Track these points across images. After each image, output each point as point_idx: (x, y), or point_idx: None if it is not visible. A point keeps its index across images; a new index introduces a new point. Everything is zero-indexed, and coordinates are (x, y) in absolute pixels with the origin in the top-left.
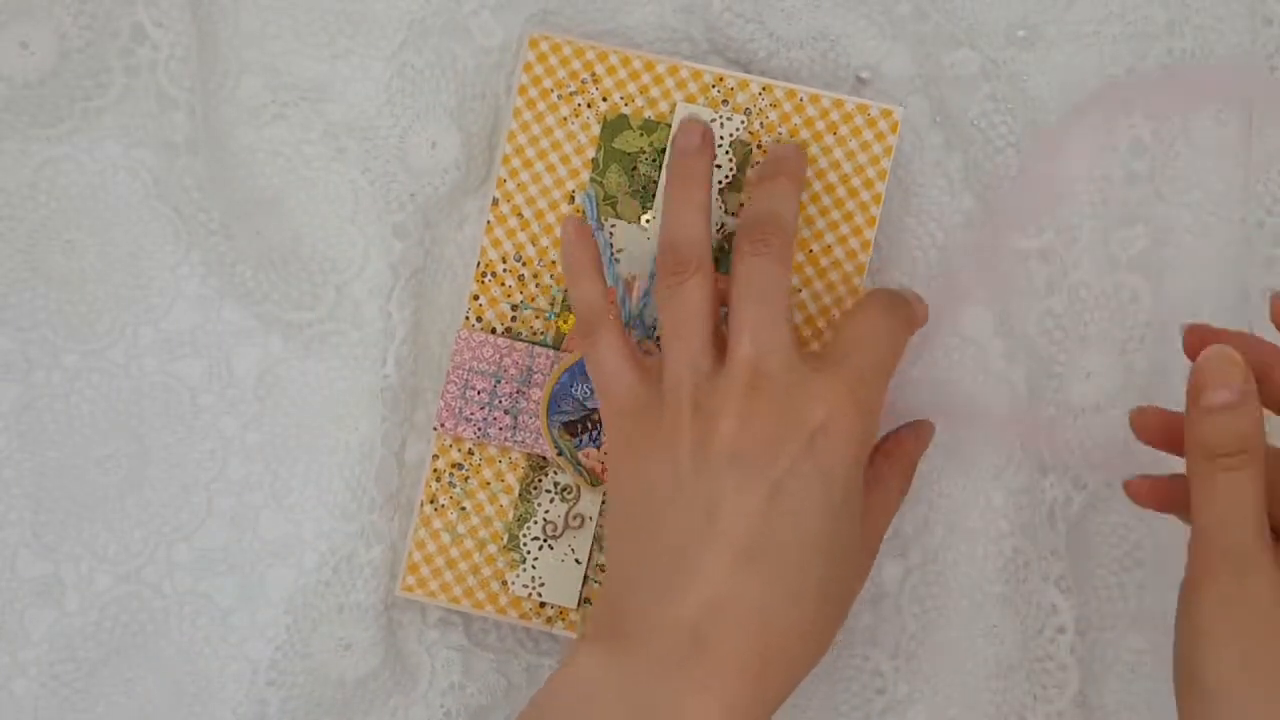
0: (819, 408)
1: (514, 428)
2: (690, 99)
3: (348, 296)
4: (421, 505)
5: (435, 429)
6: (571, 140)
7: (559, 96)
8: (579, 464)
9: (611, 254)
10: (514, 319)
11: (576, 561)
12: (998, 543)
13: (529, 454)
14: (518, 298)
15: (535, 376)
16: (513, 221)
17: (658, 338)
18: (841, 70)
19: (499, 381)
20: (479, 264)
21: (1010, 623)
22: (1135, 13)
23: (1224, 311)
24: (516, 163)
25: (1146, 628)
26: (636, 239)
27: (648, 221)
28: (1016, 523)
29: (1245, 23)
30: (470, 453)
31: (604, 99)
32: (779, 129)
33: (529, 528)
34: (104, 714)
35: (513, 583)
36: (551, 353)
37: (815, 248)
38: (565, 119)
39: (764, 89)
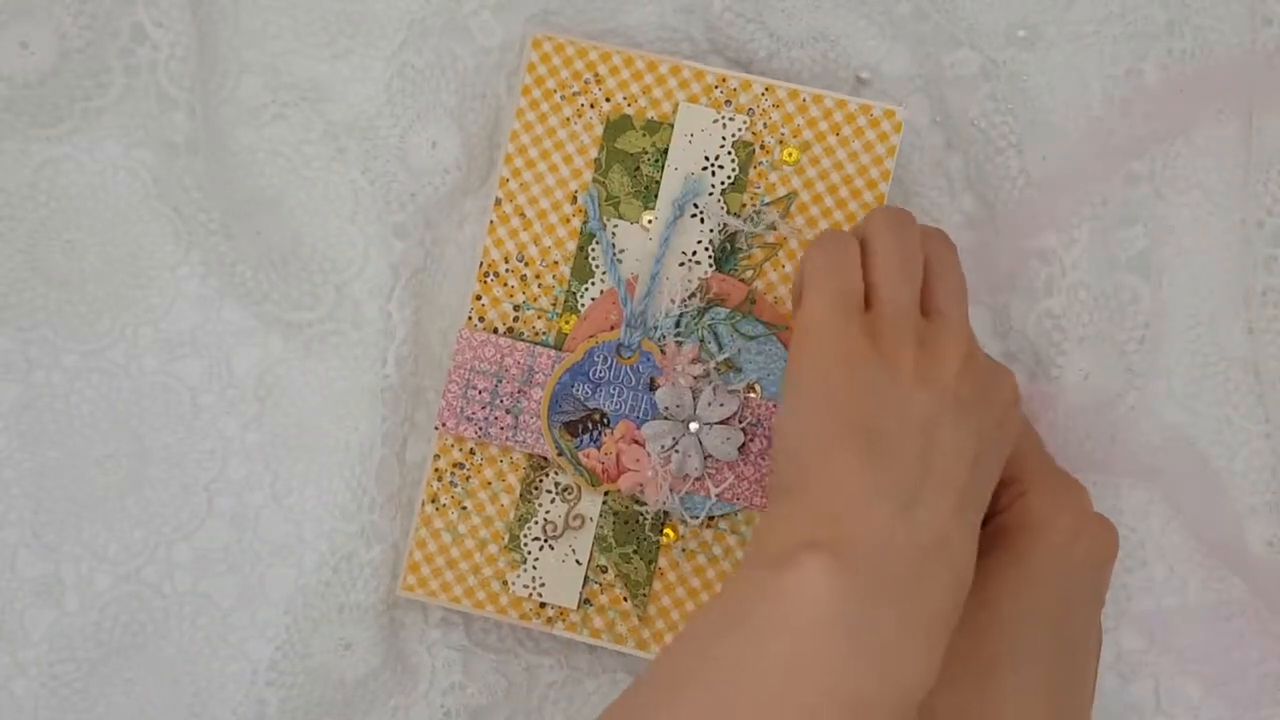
0: (1008, 390)
1: (515, 427)
2: (693, 99)
3: (348, 296)
4: (423, 505)
5: (437, 428)
6: (574, 140)
7: (562, 97)
8: (579, 464)
9: (614, 254)
10: (516, 319)
11: (577, 562)
12: None
13: (530, 454)
14: (520, 298)
15: (537, 376)
16: (515, 221)
17: (661, 338)
18: (842, 70)
19: (500, 381)
20: (481, 264)
21: None
22: (1135, 13)
23: (1224, 311)
24: (519, 162)
25: (1146, 627)
26: (638, 239)
27: (649, 222)
28: None
29: (1245, 23)
30: (472, 452)
31: (607, 99)
32: (781, 130)
33: (530, 528)
34: (104, 714)
35: (513, 583)
36: (553, 353)
37: None
38: (568, 119)
39: (767, 89)
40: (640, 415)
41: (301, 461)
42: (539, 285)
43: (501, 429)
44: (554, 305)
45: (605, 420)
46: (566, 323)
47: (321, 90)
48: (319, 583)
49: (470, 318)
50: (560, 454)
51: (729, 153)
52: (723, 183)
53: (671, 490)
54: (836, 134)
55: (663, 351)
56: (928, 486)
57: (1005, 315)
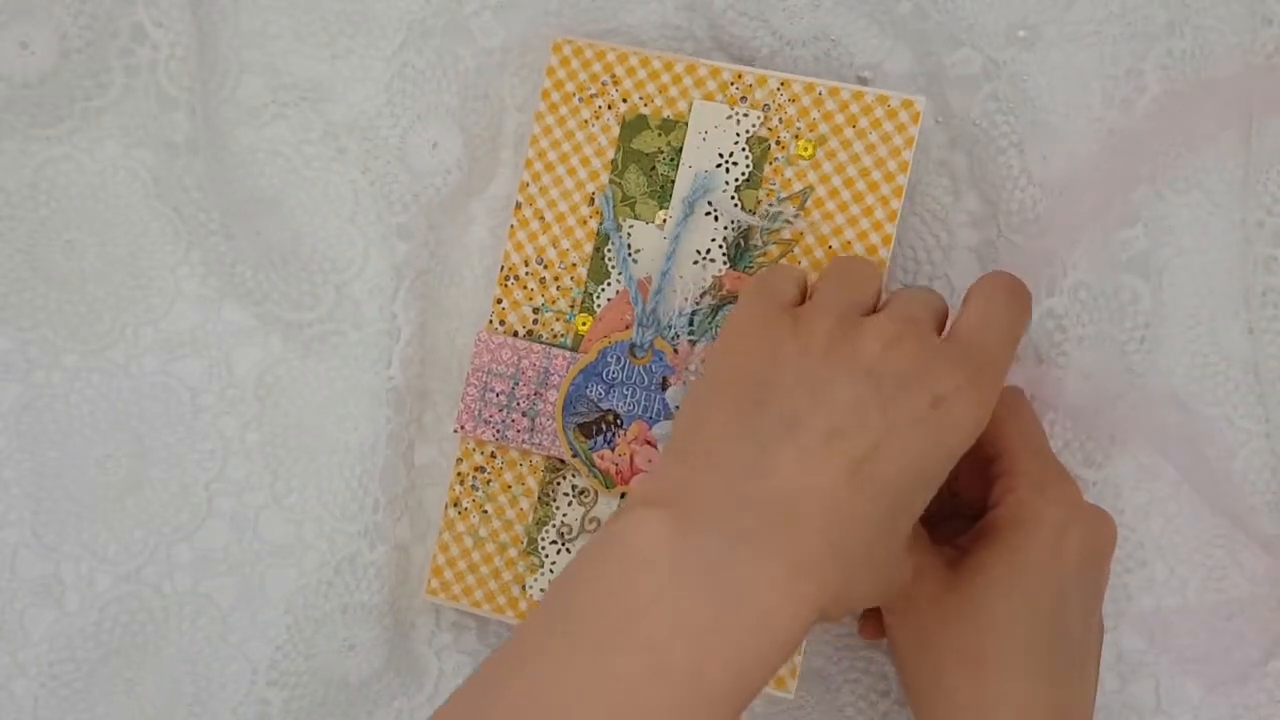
0: (950, 378)
1: (531, 430)
2: (709, 97)
3: (348, 296)
4: (446, 509)
5: (455, 431)
6: (592, 142)
7: (580, 100)
8: (594, 466)
9: (629, 254)
10: (535, 321)
11: None
12: None
13: (547, 456)
14: (539, 300)
15: (552, 378)
16: (535, 225)
17: (674, 337)
18: (844, 69)
19: (517, 384)
20: (502, 268)
21: None
22: (1135, 13)
23: (1224, 311)
24: (539, 166)
25: (1146, 628)
26: (653, 239)
27: (664, 222)
28: None
29: (1245, 23)
30: (493, 456)
31: (624, 100)
32: (797, 124)
33: (547, 531)
34: (104, 714)
35: (531, 587)
36: (568, 354)
37: (835, 243)
38: (586, 121)
39: (782, 84)
40: (653, 416)
41: (302, 461)
42: (557, 287)
43: (518, 431)
44: (572, 307)
45: (619, 421)
46: (583, 324)
47: (322, 90)
48: (320, 583)
49: (491, 321)
50: (575, 456)
51: (743, 149)
52: (737, 179)
53: None
54: (853, 126)
55: (675, 350)
56: (802, 434)
57: None
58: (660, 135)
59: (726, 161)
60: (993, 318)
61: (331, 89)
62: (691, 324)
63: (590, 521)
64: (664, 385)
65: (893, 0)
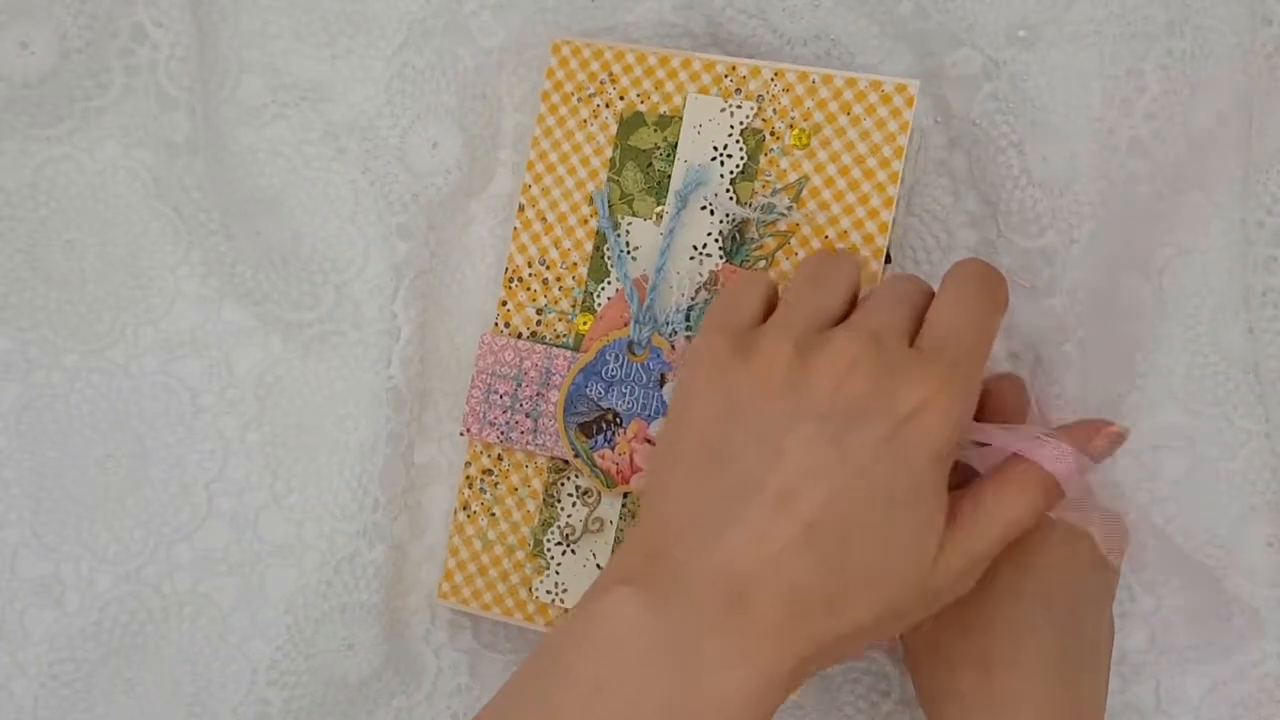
0: (913, 394)
1: (535, 431)
2: (704, 90)
3: (348, 296)
4: (455, 512)
5: (462, 434)
6: (591, 142)
7: (579, 100)
8: (595, 465)
9: (622, 252)
10: (539, 322)
11: (598, 566)
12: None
13: (551, 457)
14: (542, 301)
15: (554, 378)
16: (537, 226)
17: (672, 333)
18: (843, 68)
19: (520, 385)
20: (506, 269)
21: None
22: (1135, 13)
23: (1224, 311)
24: (540, 168)
25: (1147, 628)
26: (651, 235)
27: (660, 218)
28: None
29: (1245, 23)
30: (500, 458)
31: (621, 98)
32: (791, 113)
33: (552, 533)
34: (104, 714)
35: (537, 589)
36: (569, 354)
37: (831, 233)
38: (585, 121)
39: (776, 74)
40: (652, 413)
41: (301, 461)
42: (560, 288)
43: (522, 433)
44: (574, 307)
45: (619, 420)
46: (584, 323)
47: (321, 90)
48: (320, 582)
49: (496, 323)
50: (577, 456)
51: (737, 141)
52: (732, 171)
53: None
54: (847, 113)
55: (672, 347)
56: (754, 502)
57: (1008, 315)
58: (656, 131)
59: (721, 154)
60: (963, 309)
61: (331, 89)
62: (689, 319)
63: (594, 522)
64: (662, 382)
65: (893, 0)
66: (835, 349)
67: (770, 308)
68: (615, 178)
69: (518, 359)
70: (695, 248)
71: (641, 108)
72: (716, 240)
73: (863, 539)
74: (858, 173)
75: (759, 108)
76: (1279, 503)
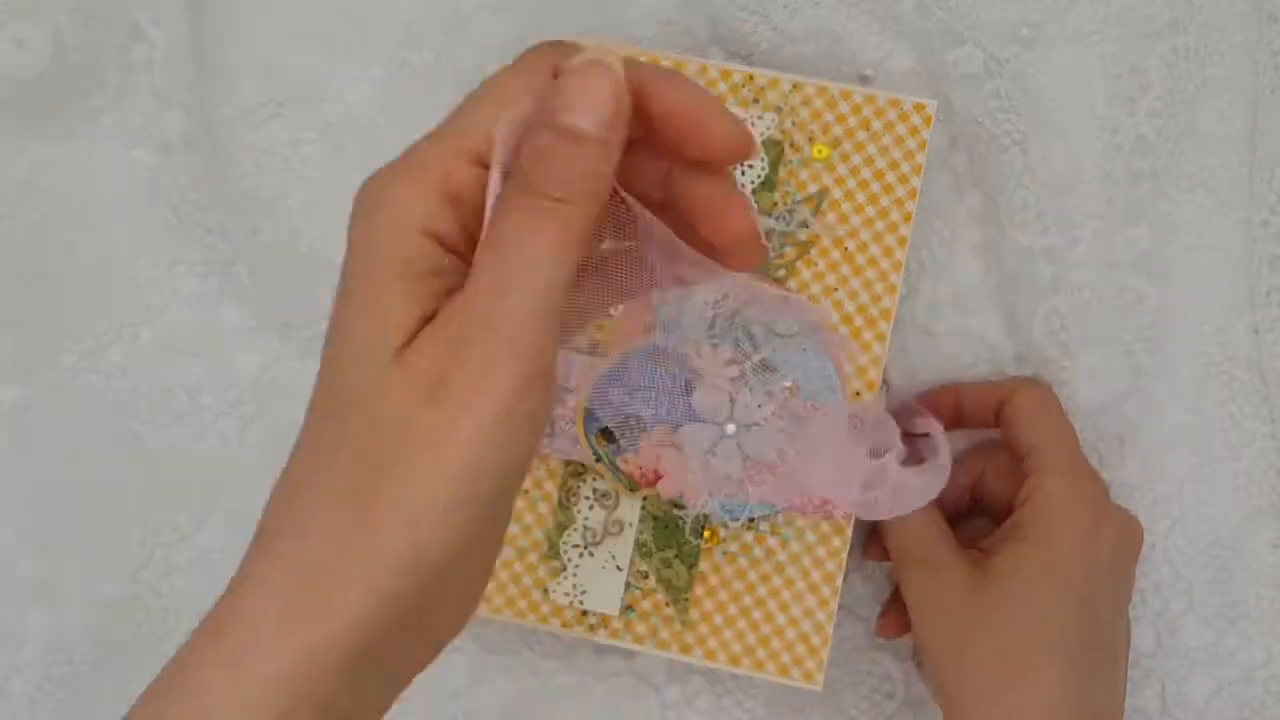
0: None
1: (552, 435)
2: (721, 99)
3: None
4: None
5: None
6: None
7: None
8: (617, 469)
9: None
10: None
11: (617, 568)
12: None
13: (566, 461)
14: None
15: (571, 383)
16: None
17: (695, 341)
18: (845, 67)
19: None
20: None
21: None
22: (1139, 10)
23: (1228, 311)
24: None
25: (1153, 630)
26: None
27: None
28: None
29: (1250, 20)
30: None
31: None
32: (810, 126)
33: (569, 535)
34: (100, 716)
35: (553, 591)
36: (587, 359)
37: (851, 245)
38: None
39: (795, 86)
40: (677, 419)
41: None
42: None
43: None
44: None
45: (642, 425)
46: (599, 328)
47: (320, 90)
48: None
49: None
50: (598, 460)
51: (759, 151)
52: (753, 181)
53: (710, 493)
54: (866, 129)
55: (698, 354)
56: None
57: (1011, 315)
58: None
59: (742, 164)
60: (1038, 427)
61: (330, 88)
62: (713, 327)
63: (613, 525)
64: (688, 389)
65: None
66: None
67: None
68: None
69: None
70: None
71: None
72: None
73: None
74: (877, 187)
75: (779, 119)
76: None
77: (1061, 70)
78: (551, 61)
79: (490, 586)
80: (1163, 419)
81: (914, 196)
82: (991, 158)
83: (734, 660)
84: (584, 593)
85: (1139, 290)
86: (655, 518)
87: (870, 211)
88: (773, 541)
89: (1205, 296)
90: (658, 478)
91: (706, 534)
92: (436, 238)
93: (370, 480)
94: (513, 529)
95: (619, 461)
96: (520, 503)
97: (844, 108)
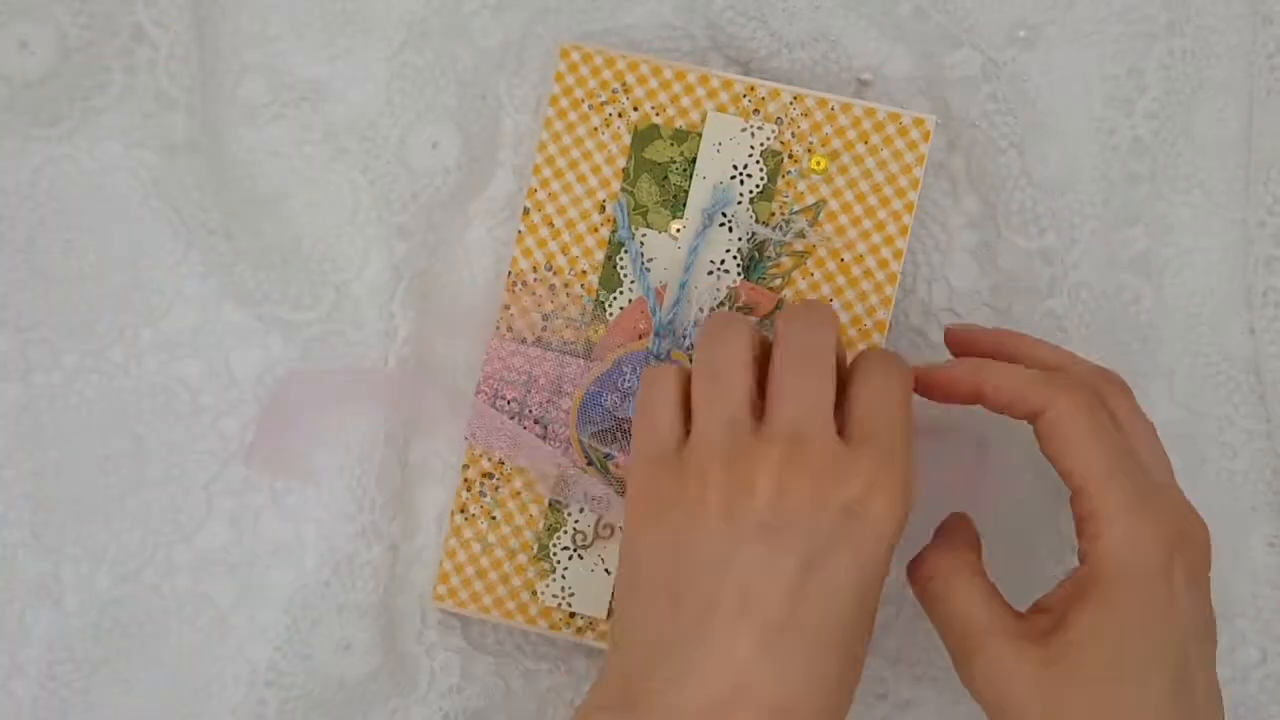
0: (856, 484)
1: (544, 438)
2: (721, 109)
3: (348, 297)
4: (452, 515)
5: (466, 439)
6: (602, 150)
7: (590, 106)
8: (609, 473)
9: (642, 264)
10: (545, 328)
11: (606, 572)
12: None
13: (559, 463)
14: (548, 307)
15: (565, 386)
16: (544, 231)
17: (689, 348)
18: (843, 71)
19: (529, 391)
20: (509, 274)
21: None
22: (1136, 12)
23: (1225, 311)
24: (548, 172)
25: None
26: (667, 248)
27: (678, 231)
28: (1020, 526)
29: (1246, 22)
30: (500, 462)
31: (635, 109)
32: (810, 138)
33: (559, 537)
34: (103, 714)
35: (542, 593)
36: (581, 362)
37: (847, 257)
38: (596, 129)
39: (795, 98)
40: None
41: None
42: (568, 295)
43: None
44: (583, 314)
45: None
46: (595, 332)
47: (321, 90)
48: (318, 583)
49: (499, 328)
50: (590, 463)
51: (757, 161)
52: (751, 191)
53: None
54: (865, 142)
55: (690, 360)
56: (716, 633)
57: (1008, 316)
58: (673, 145)
59: (741, 173)
60: (878, 389)
61: (331, 89)
62: None
63: (604, 528)
64: None
65: (892, 1)
66: (764, 463)
67: (686, 405)
68: (629, 188)
69: (527, 365)
70: (714, 263)
71: (657, 120)
72: (735, 257)
73: (839, 637)
74: (874, 200)
75: (778, 130)
76: None
77: (1059, 73)
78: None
79: (480, 586)
80: (1160, 419)
81: (911, 210)
82: (989, 160)
83: None
84: (573, 595)
85: (1136, 291)
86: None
87: (867, 224)
88: None
89: (1202, 297)
90: None
91: None
92: None
93: None
94: (503, 530)
95: (611, 465)
96: (511, 504)
97: (843, 120)
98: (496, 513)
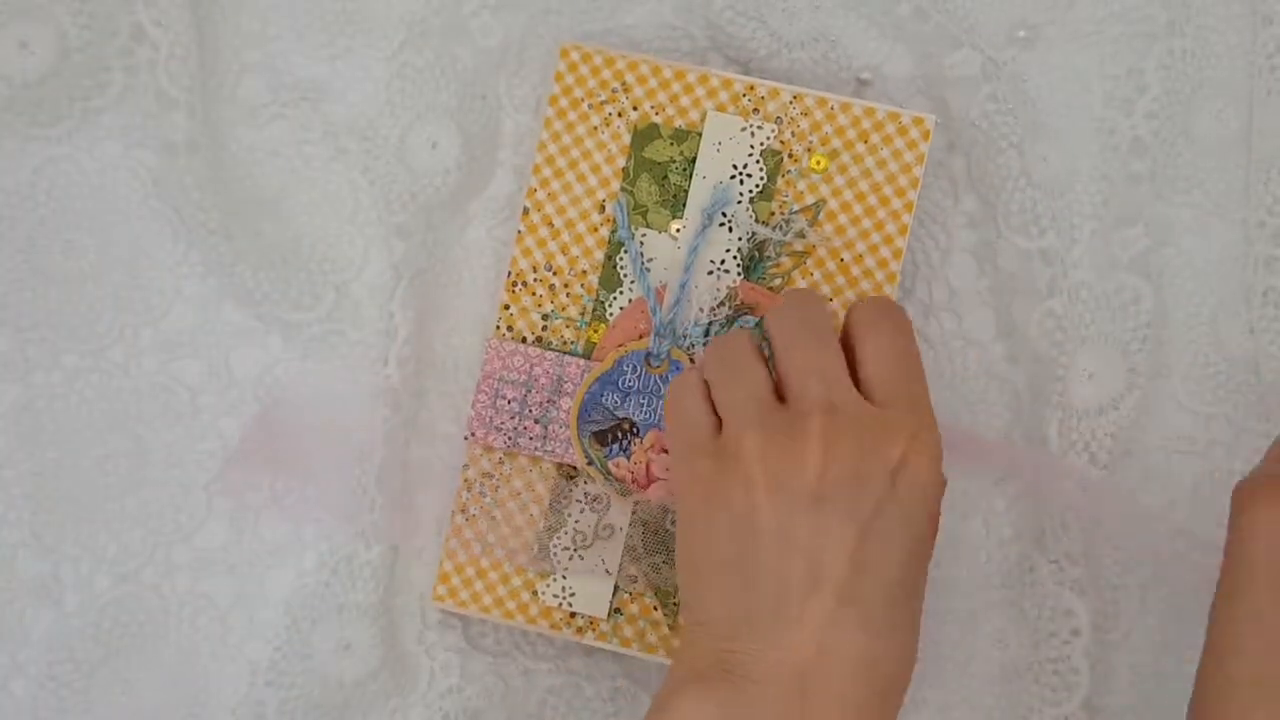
0: (897, 447)
1: (544, 437)
2: (721, 108)
3: (347, 297)
4: (453, 515)
5: (466, 438)
6: (602, 150)
7: (590, 106)
8: (609, 473)
9: (642, 263)
10: (544, 328)
11: (606, 572)
12: (1002, 548)
13: (559, 464)
14: (548, 307)
15: (566, 386)
16: (543, 231)
17: (689, 347)
18: (843, 71)
19: (529, 391)
20: (509, 273)
21: (1017, 627)
22: (1136, 12)
23: (1225, 311)
24: (547, 172)
25: (1153, 630)
26: (667, 248)
27: (678, 231)
28: (1021, 528)
29: (1246, 22)
30: (500, 462)
31: (634, 108)
32: (809, 137)
33: (559, 538)
34: (103, 714)
35: (543, 593)
36: (582, 362)
37: (846, 256)
38: (596, 128)
39: (795, 98)
40: None
41: (300, 462)
42: (567, 295)
43: (530, 439)
44: (583, 314)
45: (635, 430)
46: (595, 332)
47: (321, 90)
48: (318, 583)
49: (499, 327)
50: (590, 463)
51: (757, 161)
52: (751, 191)
53: None
54: (865, 142)
55: (691, 360)
56: (789, 600)
57: (1008, 316)
58: (673, 145)
59: (741, 173)
60: (887, 348)
61: (331, 89)
62: (707, 334)
63: (604, 529)
64: None
65: (892, 1)
66: (806, 436)
67: (709, 400)
68: (629, 188)
69: (527, 365)
70: (714, 263)
71: (656, 120)
72: (735, 257)
73: (903, 591)
74: (874, 199)
75: (778, 129)
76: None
77: (1059, 73)
78: None
79: (480, 586)
80: (1159, 419)
81: (910, 210)
82: (989, 160)
83: None
84: (573, 595)
85: (1136, 291)
86: (645, 523)
87: (867, 224)
88: None
89: (1202, 297)
90: (649, 482)
91: None
92: None
93: None
94: (503, 530)
95: (611, 466)
96: (511, 504)
97: (843, 120)
98: (496, 513)
